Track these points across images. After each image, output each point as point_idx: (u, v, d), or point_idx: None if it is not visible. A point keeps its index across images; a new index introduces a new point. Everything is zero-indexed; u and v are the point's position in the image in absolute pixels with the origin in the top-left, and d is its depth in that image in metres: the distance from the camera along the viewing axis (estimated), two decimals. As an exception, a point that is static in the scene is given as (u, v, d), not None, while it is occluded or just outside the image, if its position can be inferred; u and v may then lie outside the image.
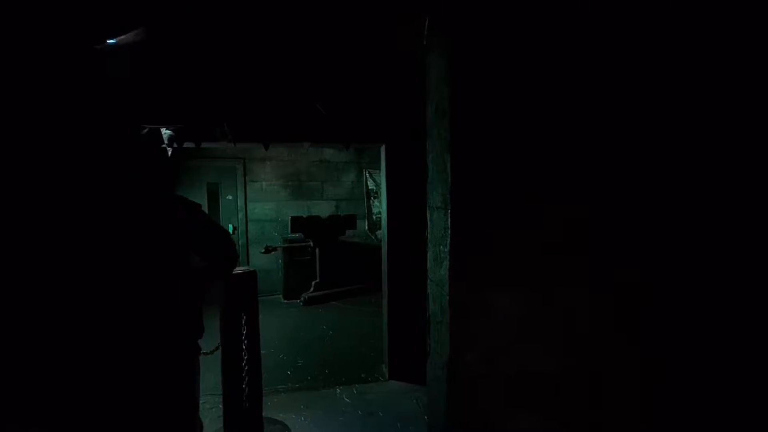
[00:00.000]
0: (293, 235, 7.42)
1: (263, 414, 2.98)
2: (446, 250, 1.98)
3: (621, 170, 1.91)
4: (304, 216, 7.36)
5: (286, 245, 7.31)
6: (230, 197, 7.50)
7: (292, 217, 7.05)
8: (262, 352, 3.48)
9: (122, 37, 2.56)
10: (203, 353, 2.34)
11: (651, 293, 1.97)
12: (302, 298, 6.97)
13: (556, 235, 1.93)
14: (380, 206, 7.01)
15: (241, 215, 7.51)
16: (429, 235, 2.28)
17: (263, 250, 7.03)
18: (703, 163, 1.95)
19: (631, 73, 1.90)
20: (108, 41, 2.52)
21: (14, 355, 1.81)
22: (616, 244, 1.94)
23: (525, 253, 1.92)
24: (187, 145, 3.24)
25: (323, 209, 7.87)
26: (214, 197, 7.45)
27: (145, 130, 2.91)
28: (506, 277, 1.96)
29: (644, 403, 2.01)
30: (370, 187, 7.99)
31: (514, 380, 2.01)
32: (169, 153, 3.29)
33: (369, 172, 7.97)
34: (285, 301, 7.14)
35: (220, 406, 2.96)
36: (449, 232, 1.95)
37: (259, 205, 7.57)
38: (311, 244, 7.18)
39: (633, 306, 1.96)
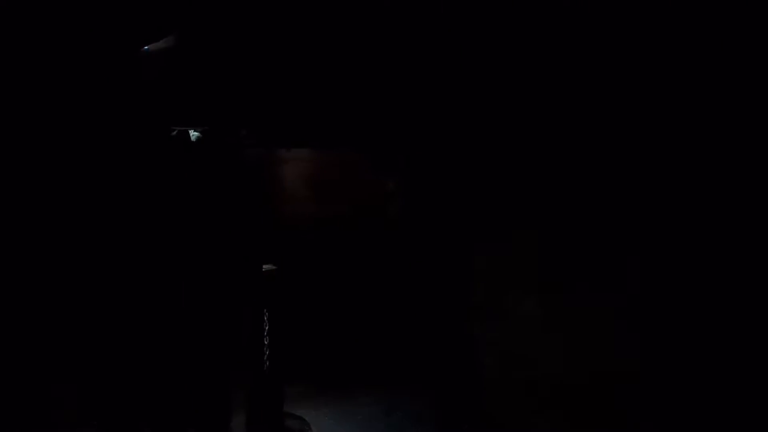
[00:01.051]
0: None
1: (283, 408, 3.06)
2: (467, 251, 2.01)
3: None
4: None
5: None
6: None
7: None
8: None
9: (155, 44, 2.68)
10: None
11: (664, 302, 1.96)
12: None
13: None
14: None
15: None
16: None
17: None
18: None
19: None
20: (143, 48, 2.65)
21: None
22: (631, 255, 1.94)
23: (540, 258, 1.95)
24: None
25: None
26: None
27: (174, 132, 3.03)
28: (522, 280, 1.98)
29: (655, 408, 2.00)
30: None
31: (530, 383, 2.03)
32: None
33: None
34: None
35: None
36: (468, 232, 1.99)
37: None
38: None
39: (646, 316, 1.95)
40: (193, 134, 3.07)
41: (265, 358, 2.90)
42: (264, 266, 2.93)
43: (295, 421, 3.43)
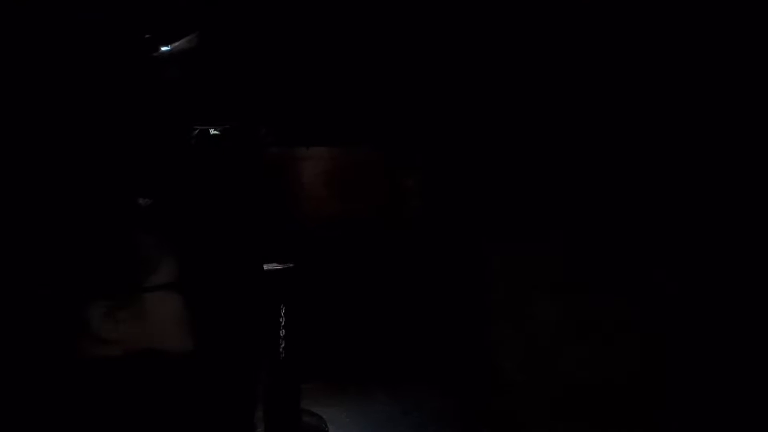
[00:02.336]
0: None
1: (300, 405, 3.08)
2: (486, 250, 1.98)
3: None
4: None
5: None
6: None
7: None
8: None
9: (176, 44, 2.73)
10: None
11: (690, 304, 1.89)
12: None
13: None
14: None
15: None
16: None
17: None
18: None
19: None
20: (163, 48, 2.70)
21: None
22: (656, 255, 1.88)
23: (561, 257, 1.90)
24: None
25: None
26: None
27: (196, 131, 3.08)
28: (542, 282, 1.94)
29: (677, 413, 1.93)
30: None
31: (548, 385, 1.98)
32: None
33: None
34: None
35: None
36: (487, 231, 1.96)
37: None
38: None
39: (672, 319, 1.89)
40: (213, 132, 3.12)
41: (282, 354, 2.92)
42: (282, 264, 2.95)
43: (313, 418, 3.45)
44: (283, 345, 2.91)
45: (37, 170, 2.12)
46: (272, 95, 3.30)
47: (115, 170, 2.47)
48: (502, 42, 2.56)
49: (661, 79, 1.87)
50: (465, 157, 3.54)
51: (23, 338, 1.92)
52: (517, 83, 2.53)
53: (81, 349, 2.02)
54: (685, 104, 1.87)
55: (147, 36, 2.66)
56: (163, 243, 2.29)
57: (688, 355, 1.89)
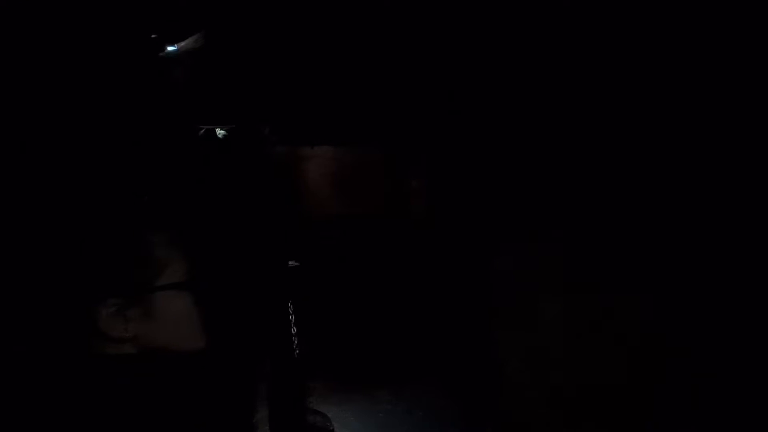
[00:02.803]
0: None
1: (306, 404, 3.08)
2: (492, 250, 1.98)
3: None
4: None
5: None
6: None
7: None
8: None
9: (182, 43, 2.73)
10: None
11: (694, 305, 1.89)
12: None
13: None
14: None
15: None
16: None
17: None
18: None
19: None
20: (169, 48, 2.70)
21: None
22: (658, 255, 1.88)
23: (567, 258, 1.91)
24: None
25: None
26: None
27: (202, 131, 3.08)
28: (547, 282, 1.95)
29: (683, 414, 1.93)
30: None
31: (553, 386, 1.99)
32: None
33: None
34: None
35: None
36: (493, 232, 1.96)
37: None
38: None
39: (677, 319, 1.89)
40: (219, 132, 3.13)
41: (288, 353, 2.92)
42: (287, 262, 2.96)
43: (318, 417, 3.46)
44: (288, 344, 2.91)
45: (46, 172, 2.13)
46: (278, 94, 3.30)
47: (123, 169, 2.47)
48: (508, 44, 2.56)
49: (675, 84, 1.87)
50: (470, 157, 3.54)
51: (29, 338, 1.93)
52: (525, 83, 2.53)
53: (86, 348, 2.03)
54: (683, 108, 1.87)
55: (153, 36, 2.67)
56: (171, 242, 2.30)
57: (691, 355, 1.90)
